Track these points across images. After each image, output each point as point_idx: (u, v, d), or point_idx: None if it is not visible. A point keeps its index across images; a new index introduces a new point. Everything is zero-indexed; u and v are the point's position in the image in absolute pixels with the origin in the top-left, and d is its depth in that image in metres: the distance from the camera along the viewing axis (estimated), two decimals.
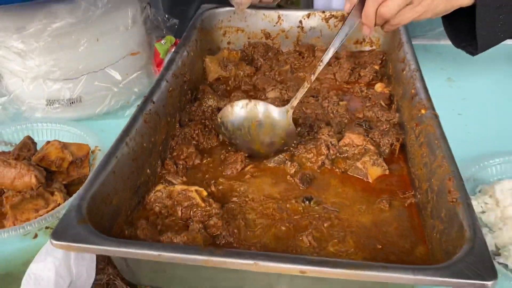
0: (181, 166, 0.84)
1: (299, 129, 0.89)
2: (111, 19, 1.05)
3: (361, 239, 0.69)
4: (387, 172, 0.81)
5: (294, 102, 0.87)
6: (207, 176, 0.83)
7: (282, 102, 0.99)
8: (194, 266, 0.59)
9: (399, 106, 0.93)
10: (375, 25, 0.85)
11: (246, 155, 0.85)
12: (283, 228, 0.71)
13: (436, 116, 0.77)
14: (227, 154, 0.87)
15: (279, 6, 1.20)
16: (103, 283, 0.67)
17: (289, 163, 0.83)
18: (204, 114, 0.96)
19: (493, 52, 0.99)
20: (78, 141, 0.97)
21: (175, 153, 0.86)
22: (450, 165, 0.67)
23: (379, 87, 1.04)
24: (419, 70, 0.90)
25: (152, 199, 0.74)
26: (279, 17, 1.19)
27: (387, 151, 0.85)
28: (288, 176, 0.82)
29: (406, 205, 0.75)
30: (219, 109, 0.98)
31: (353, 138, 0.85)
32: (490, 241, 0.74)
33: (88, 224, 0.58)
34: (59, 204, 0.83)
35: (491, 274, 0.51)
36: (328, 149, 0.84)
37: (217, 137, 0.91)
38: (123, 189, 0.70)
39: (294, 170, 0.82)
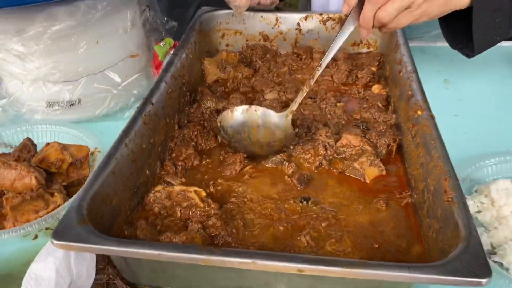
0: (180, 167, 0.84)
1: (297, 130, 0.90)
2: (111, 21, 1.06)
3: (358, 238, 0.70)
4: (384, 172, 0.82)
5: (294, 106, 0.88)
6: (206, 177, 0.84)
7: (280, 103, 1.00)
8: (193, 266, 0.60)
9: (396, 107, 0.94)
10: (373, 27, 0.86)
11: (245, 156, 0.86)
12: (281, 228, 0.72)
13: (432, 117, 0.78)
14: (225, 155, 0.87)
15: (277, 9, 1.22)
16: (103, 283, 0.67)
17: (286, 163, 0.84)
18: (203, 116, 0.97)
19: (489, 54, 1.00)
20: (78, 143, 0.98)
21: (174, 154, 0.87)
22: (445, 165, 0.68)
23: (376, 88, 1.05)
24: (415, 71, 0.91)
25: (151, 200, 0.75)
26: (277, 19, 1.20)
27: (384, 151, 0.86)
28: (286, 176, 0.82)
29: (402, 205, 0.76)
30: (217, 111, 0.99)
31: (350, 139, 0.86)
32: (486, 240, 0.75)
33: (88, 224, 0.59)
34: (59, 205, 0.83)
35: (486, 272, 0.52)
36: (326, 149, 0.85)
37: (216, 138, 0.92)
38: (123, 189, 0.71)
39: (292, 170, 0.83)
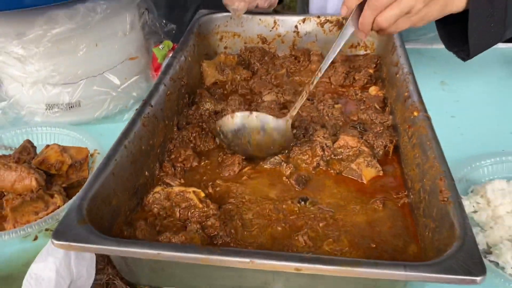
0: (179, 169, 0.85)
1: (294, 131, 0.91)
2: (110, 24, 1.06)
3: (355, 238, 0.70)
4: (381, 173, 0.83)
5: (294, 112, 0.88)
6: (204, 178, 0.84)
7: (278, 105, 1.01)
8: (192, 265, 0.61)
9: (393, 109, 0.95)
10: (371, 30, 0.87)
11: (243, 157, 0.87)
12: (279, 228, 0.73)
13: (428, 118, 0.79)
14: (224, 157, 0.88)
15: (275, 11, 1.22)
16: (102, 283, 0.68)
17: (284, 164, 0.85)
18: (202, 118, 0.98)
19: (485, 56, 1.01)
20: (77, 145, 0.98)
21: (173, 156, 0.88)
22: (441, 166, 0.68)
23: (373, 90, 1.06)
24: (412, 73, 0.92)
25: (150, 201, 0.76)
26: (275, 22, 1.21)
27: (381, 152, 0.87)
28: (284, 177, 0.83)
29: (399, 205, 0.76)
30: (216, 112, 1.00)
31: (347, 140, 0.87)
32: (482, 240, 0.76)
33: (88, 225, 0.59)
34: (58, 207, 0.84)
35: (480, 270, 0.52)
36: (323, 150, 0.86)
37: (214, 139, 0.93)
38: (122, 190, 0.72)
39: (290, 171, 0.84)
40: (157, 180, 0.83)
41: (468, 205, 0.81)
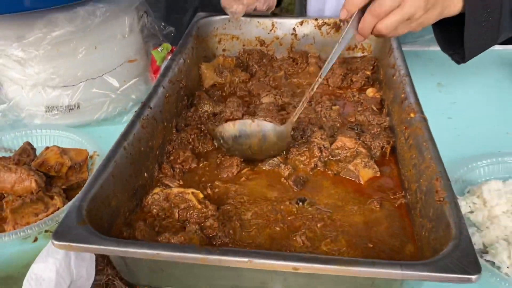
0: (178, 170, 0.86)
1: (292, 132, 0.92)
2: (109, 27, 1.07)
3: (353, 238, 0.71)
4: (378, 174, 0.83)
5: (294, 118, 0.88)
6: (203, 179, 0.85)
7: (276, 107, 1.02)
8: (191, 265, 0.62)
9: (390, 110, 0.96)
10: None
11: (242, 159, 0.87)
12: (277, 228, 0.73)
13: (424, 119, 0.80)
14: (222, 158, 0.89)
15: (273, 14, 1.23)
16: (102, 283, 0.68)
17: (283, 166, 0.86)
18: (200, 119, 0.98)
19: (482, 58, 1.02)
20: (77, 147, 0.99)
21: (172, 157, 0.88)
22: (437, 166, 0.69)
23: (370, 92, 1.06)
24: (408, 75, 0.93)
25: (149, 202, 0.76)
26: (273, 24, 1.21)
27: (378, 153, 0.88)
28: (282, 178, 0.84)
29: (396, 205, 0.77)
30: (214, 114, 1.01)
31: (345, 141, 0.87)
32: (478, 239, 0.76)
33: (88, 225, 0.60)
34: (58, 208, 0.84)
35: (476, 268, 0.53)
36: (321, 151, 0.87)
37: (213, 141, 0.93)
38: (122, 191, 0.72)
39: (288, 172, 0.85)
40: (156, 182, 0.84)
41: (464, 205, 0.82)
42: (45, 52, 1.00)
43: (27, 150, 0.95)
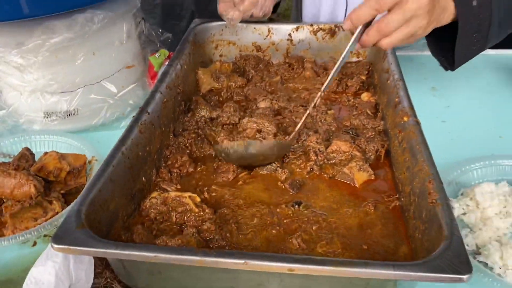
0: (175, 174, 0.87)
1: (287, 137, 0.93)
2: (107, 34, 1.09)
3: (348, 240, 0.72)
4: (372, 177, 0.85)
5: (296, 134, 0.90)
6: (200, 183, 0.86)
7: (272, 111, 1.03)
8: (189, 268, 0.63)
9: (384, 114, 0.97)
10: None
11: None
12: (274, 231, 0.74)
13: (417, 123, 0.81)
14: (219, 163, 0.90)
15: (270, 20, 1.25)
16: (101, 286, 0.69)
17: (280, 170, 0.87)
18: (197, 124, 1.00)
19: (475, 62, 1.03)
20: (75, 152, 1.00)
21: (169, 162, 0.89)
22: (430, 169, 0.70)
23: (365, 96, 1.08)
24: (402, 79, 0.94)
25: (147, 206, 0.77)
26: (269, 30, 1.23)
27: (372, 157, 0.89)
28: (279, 182, 0.85)
29: (390, 207, 0.78)
30: (211, 119, 1.02)
31: (340, 145, 0.89)
32: (471, 241, 0.77)
33: (86, 229, 0.61)
34: (57, 213, 0.85)
35: (467, 268, 0.54)
36: (316, 155, 0.88)
37: (210, 145, 0.94)
38: (120, 196, 0.73)
39: (285, 176, 0.86)
40: (154, 186, 0.85)
41: (458, 207, 0.83)
42: (44, 59, 1.01)
43: (26, 155, 0.96)
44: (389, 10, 0.79)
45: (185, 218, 0.75)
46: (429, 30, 0.84)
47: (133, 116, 0.85)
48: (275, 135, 0.93)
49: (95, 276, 0.69)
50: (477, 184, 0.86)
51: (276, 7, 1.33)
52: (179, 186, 0.85)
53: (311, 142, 0.90)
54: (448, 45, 0.93)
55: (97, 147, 1.01)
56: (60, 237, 0.59)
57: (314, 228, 0.74)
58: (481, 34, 0.88)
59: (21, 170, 0.90)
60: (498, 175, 0.89)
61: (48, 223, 0.82)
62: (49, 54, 1.01)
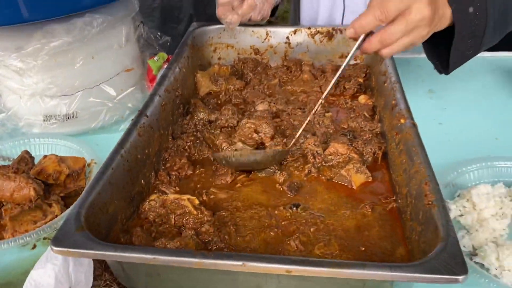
0: (174, 177, 0.87)
1: (285, 140, 0.94)
2: (106, 37, 1.09)
3: (345, 242, 0.73)
4: (370, 179, 0.85)
5: (296, 140, 0.91)
6: (199, 185, 0.87)
7: (270, 114, 1.04)
8: (187, 270, 0.63)
9: (381, 117, 0.98)
10: None
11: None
12: (272, 233, 0.75)
13: (414, 125, 0.82)
14: (218, 165, 0.90)
15: (269, 22, 1.26)
16: None
17: (278, 172, 0.87)
18: (196, 127, 1.00)
19: (471, 64, 1.04)
20: (75, 155, 1.00)
21: (168, 164, 0.90)
22: (426, 171, 0.71)
23: (362, 98, 1.09)
24: (399, 82, 0.95)
25: (146, 208, 0.78)
26: (267, 33, 1.24)
27: (370, 159, 0.90)
28: (277, 184, 0.86)
29: (388, 209, 0.79)
30: (210, 122, 1.03)
31: (337, 147, 0.89)
32: (468, 242, 0.78)
33: (86, 232, 0.61)
34: (56, 216, 0.86)
35: (462, 269, 0.55)
36: (314, 158, 0.89)
37: (209, 148, 0.95)
38: (119, 198, 0.74)
39: (283, 178, 0.86)
40: (152, 188, 0.85)
41: (455, 209, 0.84)
42: (43, 63, 1.01)
43: (26, 158, 0.96)
44: (392, 20, 0.79)
45: (183, 221, 0.76)
46: (427, 37, 0.85)
47: (132, 119, 0.86)
48: (272, 138, 0.94)
49: (95, 279, 0.70)
50: (474, 186, 0.86)
51: (274, 10, 1.34)
52: (177, 189, 0.85)
53: (309, 144, 0.90)
54: (443, 50, 0.94)
55: (96, 150, 1.02)
56: (59, 240, 0.59)
57: (312, 230, 0.75)
58: (476, 40, 0.89)
59: (20, 173, 0.90)
60: (495, 177, 0.90)
61: (47, 226, 0.83)
62: (48, 58, 1.01)
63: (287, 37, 1.24)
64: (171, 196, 0.78)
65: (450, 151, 1.00)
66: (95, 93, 1.12)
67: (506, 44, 1.10)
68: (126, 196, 0.76)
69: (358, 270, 0.55)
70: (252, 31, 1.24)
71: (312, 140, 0.91)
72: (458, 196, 0.87)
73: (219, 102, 1.13)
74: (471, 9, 0.85)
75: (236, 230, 0.75)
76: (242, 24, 1.18)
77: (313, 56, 1.24)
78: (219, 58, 1.27)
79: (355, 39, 0.83)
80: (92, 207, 0.66)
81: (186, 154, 0.94)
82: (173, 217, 0.76)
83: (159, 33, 1.27)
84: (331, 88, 0.88)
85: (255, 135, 0.95)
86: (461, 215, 0.83)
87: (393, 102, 0.91)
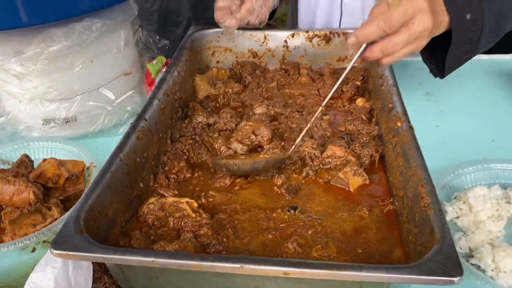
0: (173, 180, 0.88)
1: (283, 143, 0.94)
2: (105, 41, 1.10)
3: (343, 244, 0.73)
4: (367, 181, 0.86)
5: (296, 147, 0.91)
6: (197, 189, 0.87)
7: (269, 117, 1.04)
8: (186, 272, 0.64)
9: (379, 120, 0.99)
10: None
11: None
12: (270, 236, 0.75)
13: (411, 128, 0.83)
14: (217, 168, 0.91)
15: (268, 25, 1.26)
16: None
17: (276, 175, 0.88)
18: (194, 130, 1.01)
19: (468, 67, 1.05)
20: (74, 159, 1.01)
21: (166, 168, 0.90)
22: (423, 173, 0.72)
23: (360, 101, 1.09)
24: (396, 85, 0.96)
25: (145, 211, 0.78)
26: (265, 37, 1.25)
27: (367, 162, 0.90)
28: (275, 187, 0.86)
29: (385, 212, 0.79)
30: (208, 125, 1.03)
31: (335, 150, 0.90)
32: (464, 244, 0.79)
33: (85, 235, 0.62)
34: (56, 219, 0.86)
35: (458, 271, 0.55)
36: (312, 160, 0.89)
37: (208, 151, 0.96)
38: (118, 202, 0.74)
39: (281, 181, 0.87)
40: (151, 192, 0.86)
41: (451, 211, 0.85)
42: (43, 67, 1.02)
43: (25, 162, 0.97)
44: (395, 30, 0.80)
45: (182, 224, 0.76)
46: (427, 41, 0.86)
47: (131, 123, 0.86)
48: (270, 141, 0.94)
49: (94, 281, 0.70)
50: (470, 188, 0.87)
51: (272, 14, 1.34)
52: (176, 192, 0.86)
53: (307, 147, 0.91)
54: (439, 54, 0.95)
55: (95, 153, 1.02)
56: (59, 243, 0.60)
57: (309, 232, 0.76)
58: (472, 45, 0.90)
59: (20, 176, 0.91)
60: (491, 179, 0.91)
61: (47, 229, 0.83)
62: (47, 62, 1.02)
63: (285, 41, 1.25)
64: (170, 199, 0.79)
65: (447, 153, 1.00)
66: (94, 97, 1.12)
67: (502, 46, 1.11)
68: (125, 199, 0.77)
69: (355, 272, 0.56)
70: (250, 34, 1.24)
71: (310, 143, 0.92)
72: (455, 198, 0.88)
73: (217, 105, 1.14)
74: (468, 16, 0.85)
75: (234, 233, 0.76)
76: (240, 28, 1.19)
77: (311, 60, 1.25)
78: (217, 62, 1.28)
79: (357, 47, 0.84)
80: (91, 211, 0.67)
81: (185, 157, 0.94)
82: (172, 220, 0.77)
83: (157, 37, 1.27)
84: (332, 95, 0.88)
85: (252, 136, 0.95)
86: (457, 217, 0.84)
87: (390, 105, 0.92)
